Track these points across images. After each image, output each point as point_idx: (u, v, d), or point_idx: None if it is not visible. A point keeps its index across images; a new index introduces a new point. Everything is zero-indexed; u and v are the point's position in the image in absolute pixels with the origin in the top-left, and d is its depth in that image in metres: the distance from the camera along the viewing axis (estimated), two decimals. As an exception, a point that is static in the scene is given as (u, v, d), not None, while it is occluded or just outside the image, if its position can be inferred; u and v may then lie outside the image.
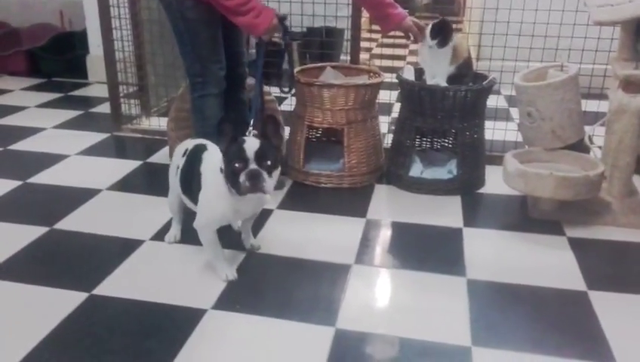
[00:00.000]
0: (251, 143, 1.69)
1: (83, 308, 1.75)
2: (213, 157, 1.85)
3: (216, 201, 1.81)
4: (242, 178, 1.67)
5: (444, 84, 2.51)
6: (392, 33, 2.63)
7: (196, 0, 2.19)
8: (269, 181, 1.70)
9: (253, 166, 1.67)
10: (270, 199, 1.95)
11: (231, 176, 1.70)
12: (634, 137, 2.25)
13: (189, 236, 2.15)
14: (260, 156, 1.68)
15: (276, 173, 1.74)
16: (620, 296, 1.87)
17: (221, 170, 1.76)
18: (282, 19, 2.29)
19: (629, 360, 1.58)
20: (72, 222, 2.27)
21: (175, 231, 2.16)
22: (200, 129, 2.34)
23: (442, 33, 2.46)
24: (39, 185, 2.62)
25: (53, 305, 1.76)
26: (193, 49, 2.31)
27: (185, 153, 1.99)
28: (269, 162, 1.69)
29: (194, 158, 1.93)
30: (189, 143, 2.04)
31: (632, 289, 1.90)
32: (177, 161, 2.02)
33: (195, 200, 1.90)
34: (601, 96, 2.80)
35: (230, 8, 2.17)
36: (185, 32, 2.29)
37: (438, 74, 2.53)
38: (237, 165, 1.67)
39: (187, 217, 2.23)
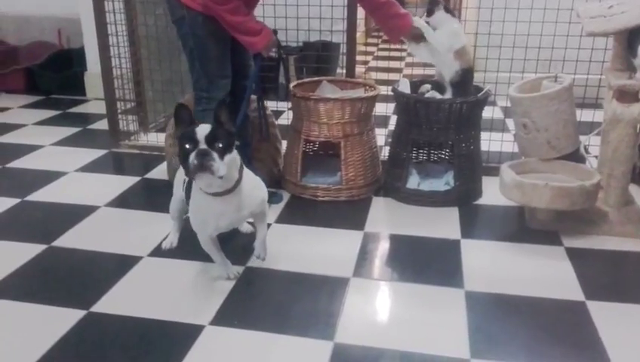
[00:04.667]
0: (203, 127, 1.72)
1: (81, 326, 1.75)
2: None
3: (196, 210, 1.89)
4: (191, 157, 1.68)
5: (448, 80, 2.52)
6: (386, 45, 2.65)
7: (207, 15, 2.23)
8: (221, 163, 1.70)
9: (202, 146, 1.69)
10: (265, 196, 1.97)
11: (183, 158, 1.72)
12: (629, 146, 2.27)
13: (187, 251, 2.16)
14: (210, 138, 1.69)
15: (229, 157, 1.74)
16: (618, 306, 1.87)
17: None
18: (275, 33, 2.39)
19: (628, 370, 1.58)
20: (71, 240, 2.27)
21: (173, 237, 2.23)
22: None
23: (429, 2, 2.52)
24: (37, 203, 2.62)
25: (51, 323, 1.76)
26: (201, 65, 2.35)
27: None
28: (220, 144, 1.70)
29: None
30: None
31: (629, 299, 1.90)
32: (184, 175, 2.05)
33: None
34: (596, 105, 2.82)
35: (235, 25, 2.24)
36: (195, 48, 2.33)
37: (443, 71, 2.55)
38: (187, 146, 1.69)
39: (186, 230, 2.24)
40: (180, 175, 2.10)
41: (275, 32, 2.39)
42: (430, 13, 2.51)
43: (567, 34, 2.91)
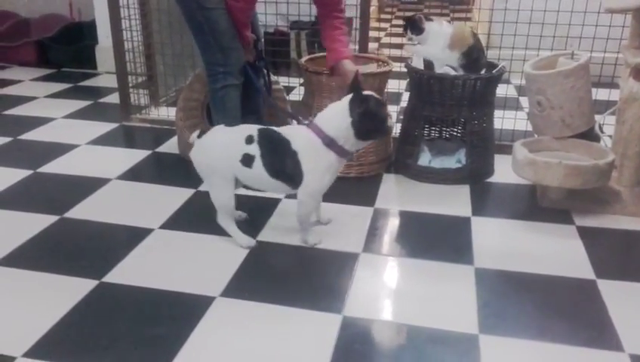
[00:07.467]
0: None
1: (93, 296, 1.77)
2: (301, 134, 1.95)
3: (325, 169, 1.95)
4: (390, 120, 1.97)
5: (457, 66, 2.53)
6: (399, 21, 2.63)
7: None
8: None
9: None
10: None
11: (381, 122, 1.93)
12: (645, 126, 2.24)
13: (198, 224, 2.16)
14: None
15: None
16: (628, 285, 1.86)
17: (324, 142, 1.91)
18: (256, 41, 2.43)
19: (637, 347, 1.57)
20: (82, 211, 2.29)
21: (248, 239, 2.05)
22: (221, 121, 2.30)
23: (410, 24, 2.56)
24: (49, 175, 2.64)
25: (63, 292, 1.78)
26: (214, 38, 2.31)
27: (250, 140, 1.94)
28: None
29: (276, 142, 1.95)
30: (250, 129, 1.97)
31: (640, 278, 1.89)
32: (240, 150, 1.93)
33: (290, 181, 1.97)
34: (612, 84, 2.78)
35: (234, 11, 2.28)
36: (205, 22, 2.29)
37: (449, 64, 2.54)
38: (385, 111, 1.94)
39: (198, 204, 2.24)
40: (231, 159, 1.94)
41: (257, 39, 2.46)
42: (420, 31, 2.53)
43: (584, 10, 2.86)
